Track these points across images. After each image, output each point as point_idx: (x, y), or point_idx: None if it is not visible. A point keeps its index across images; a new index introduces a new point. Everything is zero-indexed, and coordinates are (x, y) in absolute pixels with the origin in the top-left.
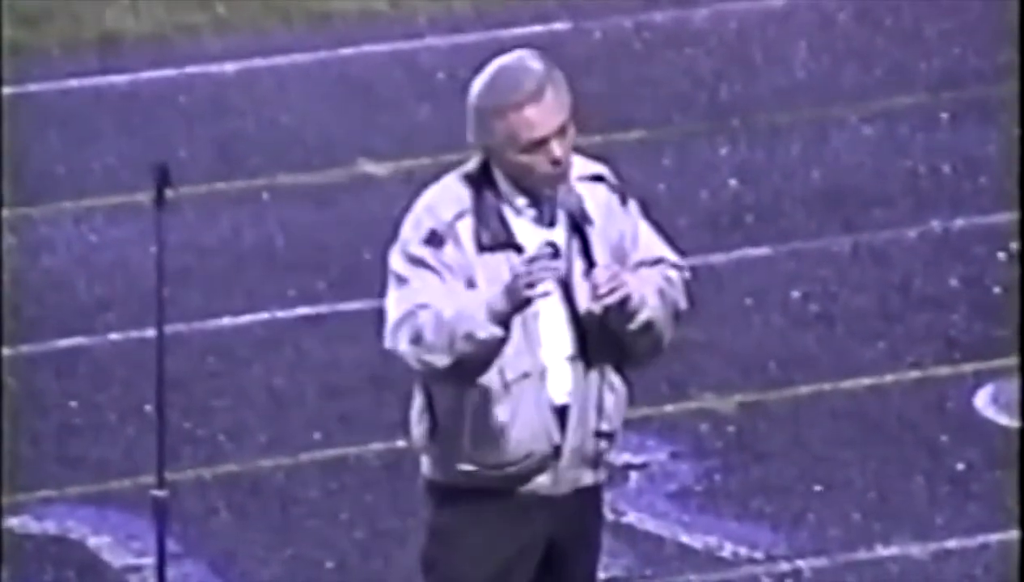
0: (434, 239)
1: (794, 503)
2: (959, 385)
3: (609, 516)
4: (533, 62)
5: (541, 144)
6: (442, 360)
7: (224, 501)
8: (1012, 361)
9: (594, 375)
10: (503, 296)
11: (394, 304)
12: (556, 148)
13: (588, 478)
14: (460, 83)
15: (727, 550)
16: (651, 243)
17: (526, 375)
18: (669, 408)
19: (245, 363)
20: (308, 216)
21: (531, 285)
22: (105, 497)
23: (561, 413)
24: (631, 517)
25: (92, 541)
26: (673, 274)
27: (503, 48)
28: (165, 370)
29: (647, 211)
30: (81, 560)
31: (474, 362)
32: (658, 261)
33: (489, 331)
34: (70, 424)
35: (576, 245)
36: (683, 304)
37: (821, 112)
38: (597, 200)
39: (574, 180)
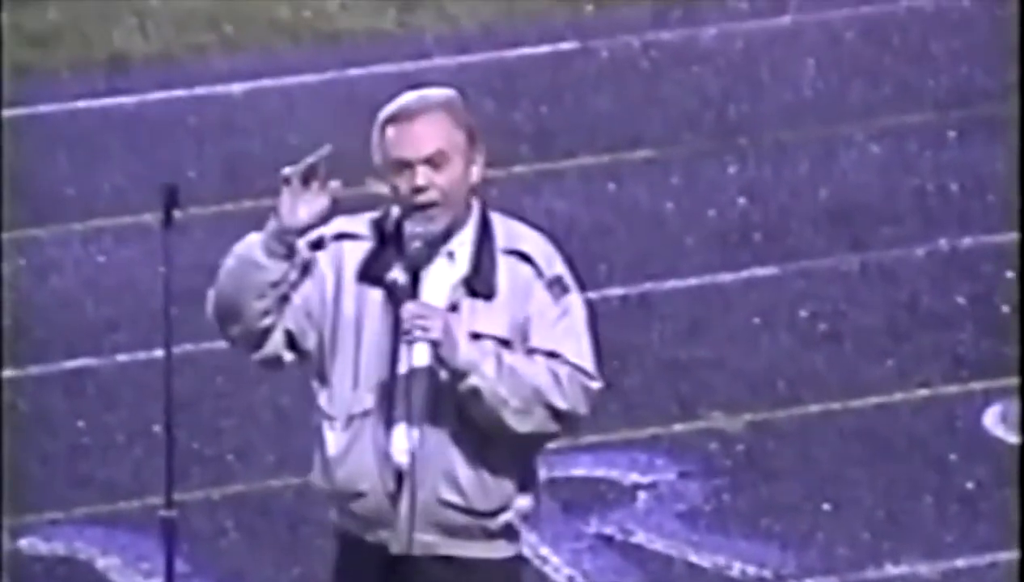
0: (317, 243)
1: (803, 522)
2: (967, 403)
3: (618, 536)
4: (436, 91)
5: (407, 166)
6: (211, 296)
7: (232, 521)
8: (1020, 380)
9: (444, 441)
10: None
11: None
12: (420, 176)
13: (454, 549)
14: (468, 103)
15: (736, 569)
16: (560, 340)
17: (366, 413)
18: (678, 427)
19: (253, 383)
20: None
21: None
22: (114, 518)
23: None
24: (640, 537)
25: (101, 562)
26: (563, 371)
27: (510, 67)
28: (173, 390)
29: (655, 231)
30: (89, 581)
31: (229, 298)
32: (552, 355)
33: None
34: (78, 445)
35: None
36: (561, 404)
37: (829, 130)
38: (514, 275)
39: (498, 251)
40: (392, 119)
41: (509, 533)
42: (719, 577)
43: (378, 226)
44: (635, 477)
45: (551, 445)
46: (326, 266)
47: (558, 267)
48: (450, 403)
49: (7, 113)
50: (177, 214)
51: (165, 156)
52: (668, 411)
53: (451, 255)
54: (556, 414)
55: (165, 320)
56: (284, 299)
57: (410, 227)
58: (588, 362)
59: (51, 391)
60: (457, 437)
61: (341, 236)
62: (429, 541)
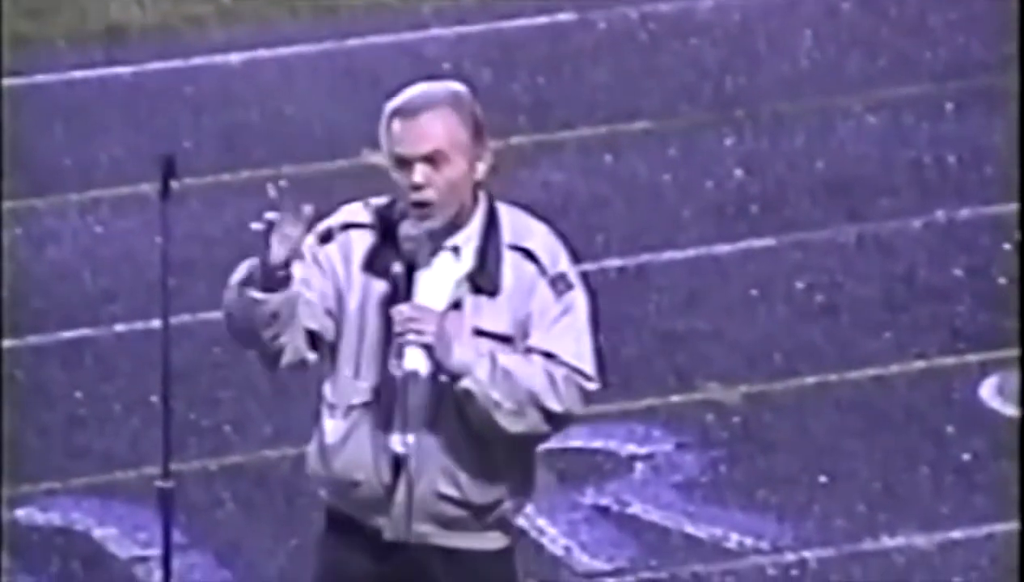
0: (325, 236)
1: (799, 494)
2: (964, 375)
3: (614, 507)
4: (443, 85)
5: (407, 162)
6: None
7: (230, 492)
8: (1017, 352)
9: (443, 441)
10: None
11: None
12: (417, 174)
13: (448, 539)
14: (465, 74)
15: (733, 541)
16: (558, 339)
17: (365, 405)
18: (674, 399)
19: (250, 354)
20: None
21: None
22: (111, 488)
23: (399, 458)
24: (636, 508)
25: (97, 532)
26: (559, 373)
27: (508, 39)
28: (170, 361)
29: (652, 202)
30: (86, 551)
31: (240, 326)
32: (549, 355)
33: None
34: (76, 415)
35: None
36: (556, 406)
37: (826, 102)
38: (517, 272)
39: (504, 247)
40: (397, 112)
41: (503, 525)
42: (715, 548)
43: (383, 215)
44: (632, 448)
45: None
46: (336, 258)
47: (563, 264)
48: (450, 404)
49: (4, 83)
50: (174, 185)
51: (162, 127)
52: (665, 383)
53: (456, 250)
54: (549, 416)
55: (162, 291)
56: (292, 317)
57: (406, 227)
58: (586, 362)
59: (48, 362)
60: (456, 437)
61: (348, 226)
62: (424, 531)
